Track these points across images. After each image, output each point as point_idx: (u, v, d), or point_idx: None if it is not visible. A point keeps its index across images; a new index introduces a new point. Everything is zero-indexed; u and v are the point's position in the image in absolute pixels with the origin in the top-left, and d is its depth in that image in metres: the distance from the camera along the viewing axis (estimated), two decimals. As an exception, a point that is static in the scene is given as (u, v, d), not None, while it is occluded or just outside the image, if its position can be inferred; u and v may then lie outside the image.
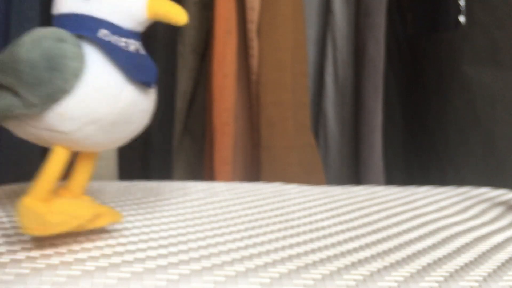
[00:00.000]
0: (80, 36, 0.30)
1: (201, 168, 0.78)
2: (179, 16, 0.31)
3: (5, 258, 0.29)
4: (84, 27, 0.30)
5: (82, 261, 0.30)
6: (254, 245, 0.34)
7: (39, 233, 0.30)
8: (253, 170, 0.79)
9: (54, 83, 0.28)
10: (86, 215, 0.32)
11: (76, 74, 0.29)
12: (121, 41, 0.31)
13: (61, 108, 0.29)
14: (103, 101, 0.30)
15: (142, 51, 0.33)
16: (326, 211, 0.45)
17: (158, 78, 0.34)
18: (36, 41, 0.29)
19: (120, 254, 0.31)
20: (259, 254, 0.32)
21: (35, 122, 0.30)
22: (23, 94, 0.29)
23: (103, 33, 0.30)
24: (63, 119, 0.29)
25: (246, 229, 0.38)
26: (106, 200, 0.45)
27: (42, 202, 0.31)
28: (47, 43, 0.29)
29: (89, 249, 0.32)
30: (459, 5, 0.74)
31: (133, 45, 0.32)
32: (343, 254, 0.33)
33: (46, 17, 0.73)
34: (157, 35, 0.73)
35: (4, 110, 0.30)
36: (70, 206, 0.33)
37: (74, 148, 0.32)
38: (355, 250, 0.34)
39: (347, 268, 0.30)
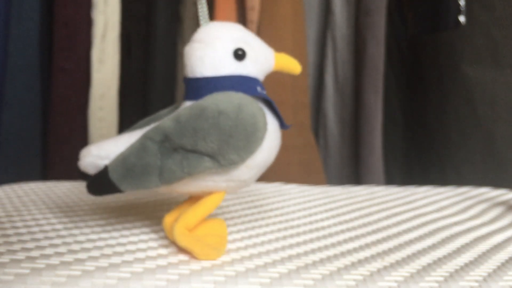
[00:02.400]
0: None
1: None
2: (296, 67, 0.36)
3: (5, 258, 0.29)
4: (246, 86, 0.32)
5: (82, 261, 0.30)
6: (254, 245, 0.34)
7: (211, 258, 0.31)
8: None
9: (258, 141, 0.31)
10: (225, 232, 0.35)
11: (266, 129, 0.31)
12: (264, 92, 0.33)
13: (251, 160, 0.31)
14: (274, 148, 0.33)
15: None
16: (326, 211, 0.45)
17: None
18: (237, 109, 0.30)
19: (120, 254, 0.31)
20: (259, 254, 0.32)
21: (219, 176, 0.32)
22: (226, 155, 0.30)
23: (259, 89, 0.33)
24: (249, 169, 0.32)
25: (246, 229, 0.38)
26: (105, 202, 0.45)
27: (190, 231, 0.33)
28: (247, 108, 0.30)
29: (89, 249, 0.32)
30: (459, 5, 0.74)
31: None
32: (343, 254, 0.33)
33: (46, 17, 0.73)
34: (157, 35, 0.73)
35: (197, 172, 0.31)
36: (213, 226, 0.35)
37: (234, 191, 0.34)
38: (355, 250, 0.34)
39: (347, 268, 0.30)
